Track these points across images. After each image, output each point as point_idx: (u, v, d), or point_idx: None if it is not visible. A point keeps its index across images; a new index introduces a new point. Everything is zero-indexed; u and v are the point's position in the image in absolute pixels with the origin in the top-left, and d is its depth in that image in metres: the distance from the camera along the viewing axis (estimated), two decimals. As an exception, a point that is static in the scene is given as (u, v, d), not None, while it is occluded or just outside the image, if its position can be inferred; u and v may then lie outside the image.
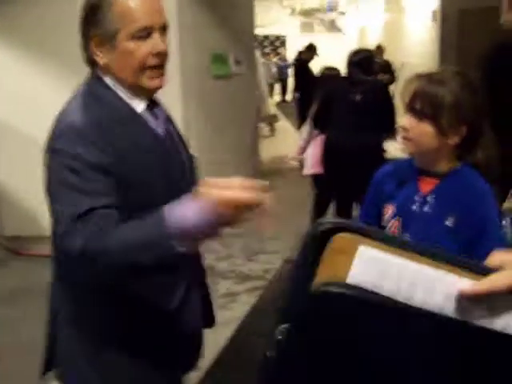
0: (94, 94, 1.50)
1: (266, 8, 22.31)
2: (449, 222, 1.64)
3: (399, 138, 1.71)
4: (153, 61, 1.47)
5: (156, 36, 1.47)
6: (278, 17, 24.15)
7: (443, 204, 1.67)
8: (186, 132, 5.05)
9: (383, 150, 4.34)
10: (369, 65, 4.53)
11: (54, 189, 1.40)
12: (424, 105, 1.62)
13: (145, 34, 1.45)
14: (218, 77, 5.97)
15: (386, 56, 10.56)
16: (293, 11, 24.83)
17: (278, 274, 4.67)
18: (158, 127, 1.56)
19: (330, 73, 5.50)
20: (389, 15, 16.25)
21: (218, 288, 4.41)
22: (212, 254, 5.11)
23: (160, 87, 1.52)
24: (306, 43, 9.57)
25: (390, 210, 1.77)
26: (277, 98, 19.36)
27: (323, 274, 0.75)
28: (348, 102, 4.39)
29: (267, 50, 21.99)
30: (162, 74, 1.52)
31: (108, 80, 1.52)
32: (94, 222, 1.31)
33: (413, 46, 12.37)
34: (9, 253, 5.28)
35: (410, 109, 1.65)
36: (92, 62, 1.52)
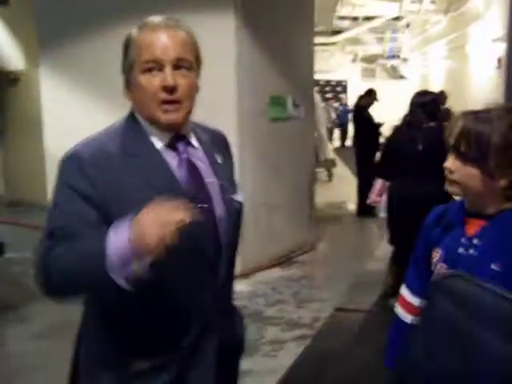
0: (115, 126, 1.56)
1: (328, 54, 22.57)
2: (495, 266, 1.55)
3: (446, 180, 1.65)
4: (164, 95, 1.48)
5: (167, 70, 1.47)
6: (340, 63, 24.34)
7: (490, 247, 1.58)
8: (240, 174, 5.00)
9: (447, 198, 4.16)
10: (434, 108, 4.38)
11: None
12: (469, 146, 1.55)
13: (156, 67, 1.48)
14: (275, 119, 5.96)
15: (448, 103, 10.38)
16: (355, 57, 24.98)
17: (327, 323, 4.52)
18: (180, 166, 1.54)
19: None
20: (452, 62, 16.10)
21: (266, 334, 4.30)
22: (262, 299, 5.03)
23: (177, 122, 1.51)
24: (369, 88, 9.50)
25: (438, 254, 1.71)
26: (336, 143, 19.32)
27: None
28: (410, 151, 4.27)
29: (328, 95, 22.07)
30: (179, 109, 1.50)
31: (137, 115, 1.55)
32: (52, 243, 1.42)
33: (476, 93, 12.15)
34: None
35: (455, 150, 1.59)
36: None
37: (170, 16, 1.57)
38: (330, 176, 11.85)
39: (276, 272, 5.77)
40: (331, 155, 12.46)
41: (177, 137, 1.55)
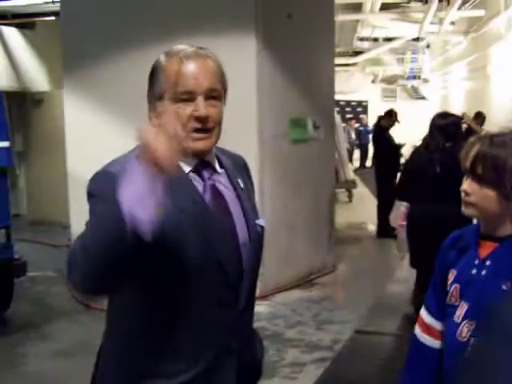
0: None
1: (348, 74, 22.62)
2: (505, 286, 1.57)
3: (462, 202, 1.67)
4: (194, 124, 1.50)
5: (199, 100, 1.50)
6: (361, 83, 24.38)
7: (501, 268, 1.60)
8: (260, 196, 5.02)
9: (466, 220, 4.12)
10: (455, 131, 4.36)
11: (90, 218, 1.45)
12: (485, 169, 1.59)
13: (188, 97, 1.50)
14: (295, 141, 5.99)
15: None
16: (375, 78, 25.01)
17: (347, 346, 4.49)
18: (205, 191, 1.55)
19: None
20: (472, 83, 16.05)
21: (285, 356, 4.28)
22: (281, 321, 5.01)
23: (205, 150, 1.53)
24: (390, 108, 9.47)
25: (452, 275, 1.74)
26: (356, 163, 19.28)
27: None
28: (428, 174, 4.26)
29: (349, 116, 22.09)
30: (208, 138, 1.52)
31: None
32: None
33: (497, 114, 12.09)
34: (78, 305, 5.35)
35: (471, 173, 1.62)
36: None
37: (196, 44, 1.59)
38: (350, 197, 11.82)
39: (296, 293, 5.75)
40: (351, 176, 12.45)
41: (202, 163, 1.57)
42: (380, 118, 8.89)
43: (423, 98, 25.04)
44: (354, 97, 23.95)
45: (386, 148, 8.47)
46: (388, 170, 8.12)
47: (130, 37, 5.49)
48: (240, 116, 4.58)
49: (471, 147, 1.64)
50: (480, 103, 14.37)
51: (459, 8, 13.87)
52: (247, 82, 5.30)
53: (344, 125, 16.79)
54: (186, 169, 1.54)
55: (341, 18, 13.31)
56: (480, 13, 14.21)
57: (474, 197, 1.62)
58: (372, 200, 9.49)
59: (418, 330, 1.87)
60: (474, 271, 1.65)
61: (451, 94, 19.90)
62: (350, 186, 11.76)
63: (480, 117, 9.10)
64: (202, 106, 1.50)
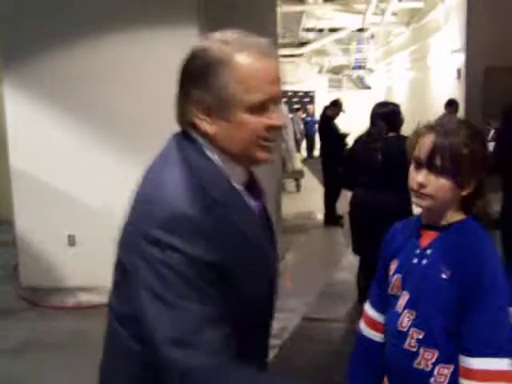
0: (192, 165, 1.27)
1: (294, 65, 22.76)
2: (445, 275, 1.60)
3: (414, 194, 1.66)
4: (267, 134, 1.28)
5: (273, 108, 1.27)
6: (307, 74, 24.56)
7: (440, 256, 1.63)
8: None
9: (407, 207, 4.22)
10: (395, 119, 4.45)
11: (167, 289, 1.18)
12: (444, 160, 1.59)
13: (266, 105, 1.26)
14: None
15: (409, 113, 10.56)
16: (321, 68, 25.24)
17: (294, 333, 4.58)
18: (256, 207, 1.37)
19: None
20: (414, 73, 16.39)
21: (234, 345, 4.32)
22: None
23: (268, 161, 1.33)
24: (335, 97, 9.56)
25: (394, 266, 1.75)
26: (303, 153, 19.44)
27: None
28: (370, 162, 4.33)
29: (296, 106, 22.23)
30: (271, 148, 1.33)
31: (206, 147, 1.30)
32: (215, 350, 1.17)
33: (437, 103, 12.41)
34: (25, 303, 5.28)
35: (428, 164, 1.61)
36: (187, 124, 1.31)
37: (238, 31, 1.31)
38: (298, 187, 11.95)
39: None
40: (299, 166, 12.58)
41: (250, 178, 1.39)
42: (326, 108, 9.00)
43: (368, 87, 25.42)
44: (300, 87, 24.10)
45: (332, 137, 8.59)
46: (334, 159, 8.23)
47: (68, 30, 5.41)
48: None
49: (421, 138, 1.64)
50: (422, 93, 14.71)
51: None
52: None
53: (292, 115, 16.91)
54: (239, 184, 1.33)
55: (285, 9, 13.38)
56: (419, 4, 14.54)
57: (430, 188, 1.61)
58: (320, 189, 9.62)
59: (362, 324, 1.89)
60: (415, 260, 1.67)
61: (395, 83, 20.28)
62: (297, 176, 11.88)
63: (453, 105, 8.76)
64: (278, 115, 1.29)
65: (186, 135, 1.32)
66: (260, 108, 1.25)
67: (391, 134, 4.32)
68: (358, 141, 4.63)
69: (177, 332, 1.16)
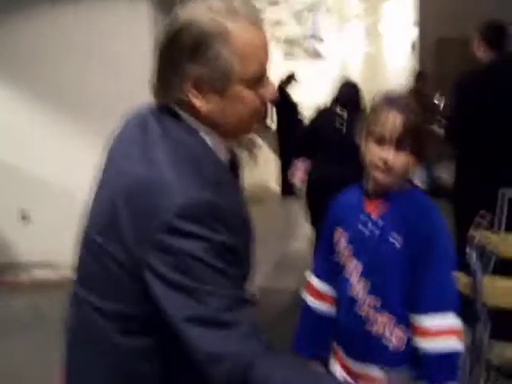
0: (183, 145, 1.22)
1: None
2: (396, 242, 1.66)
3: (376, 169, 1.69)
4: (263, 107, 1.27)
5: (267, 80, 1.26)
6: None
7: (391, 225, 1.68)
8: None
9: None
10: (359, 99, 4.49)
11: (195, 279, 1.13)
12: (413, 140, 1.64)
13: (262, 78, 1.25)
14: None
15: (365, 86, 10.64)
16: (277, 40, 25.09)
17: (252, 303, 4.62)
18: (239, 183, 1.40)
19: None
20: (368, 45, 16.47)
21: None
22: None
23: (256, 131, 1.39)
24: (289, 70, 9.60)
25: (341, 234, 1.78)
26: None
27: None
28: (333, 135, 4.37)
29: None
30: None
31: (193, 122, 1.25)
32: (256, 338, 1.15)
33: (392, 75, 12.52)
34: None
35: (397, 143, 1.64)
36: (177, 102, 1.24)
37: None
38: (253, 157, 11.93)
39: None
40: (253, 136, 12.55)
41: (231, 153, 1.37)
42: (281, 82, 9.03)
43: (321, 57, 25.41)
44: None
45: (286, 108, 8.63)
46: (288, 129, 8.26)
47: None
48: (135, 84, 4.53)
49: (381, 113, 1.66)
50: (377, 65, 14.80)
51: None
52: (142, 47, 5.20)
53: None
54: (226, 160, 1.32)
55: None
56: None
57: (397, 165, 1.65)
58: (275, 160, 9.65)
59: (307, 297, 1.92)
60: (366, 231, 1.71)
61: (350, 55, 20.34)
62: (251, 145, 11.85)
63: (422, 77, 8.40)
64: (274, 87, 1.27)
65: (166, 110, 1.26)
66: (257, 81, 1.22)
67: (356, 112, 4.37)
68: (322, 114, 4.66)
69: (213, 314, 1.12)
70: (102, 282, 1.27)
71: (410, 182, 1.76)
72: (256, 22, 1.20)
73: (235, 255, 1.18)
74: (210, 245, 1.12)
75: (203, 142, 1.25)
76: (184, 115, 1.25)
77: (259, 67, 1.22)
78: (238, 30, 1.17)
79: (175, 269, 1.12)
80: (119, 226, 1.19)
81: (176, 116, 1.25)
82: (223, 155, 1.29)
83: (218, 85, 1.19)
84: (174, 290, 1.12)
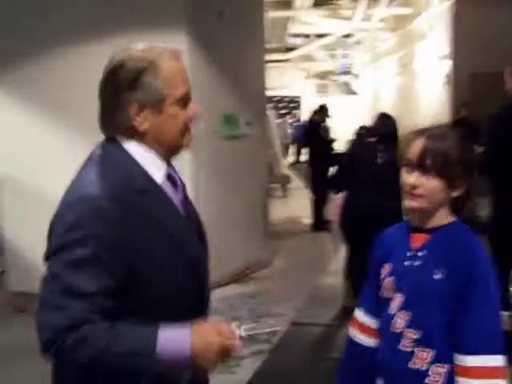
0: (111, 159, 1.45)
1: (281, 70, 22.81)
2: (438, 276, 1.64)
3: (406, 195, 1.71)
4: (191, 123, 1.53)
5: (190, 101, 1.52)
6: (294, 79, 24.63)
7: (433, 258, 1.67)
8: (195, 194, 4.94)
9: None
10: (395, 133, 4.50)
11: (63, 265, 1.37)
12: (434, 160, 1.64)
13: (187, 99, 1.51)
14: (228, 138, 6.02)
15: (399, 119, 10.62)
16: (308, 74, 25.32)
17: (283, 338, 4.57)
18: (177, 197, 1.55)
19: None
20: (401, 78, 16.49)
21: (223, 351, 4.30)
22: (219, 316, 5.03)
23: (188, 148, 1.56)
24: (321, 103, 9.62)
25: (386, 270, 1.78)
26: (291, 158, 19.46)
27: None
28: (370, 164, 4.40)
29: (283, 111, 22.27)
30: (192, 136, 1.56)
31: (131, 145, 1.48)
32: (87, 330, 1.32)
33: (424, 108, 12.48)
34: (12, 310, 5.23)
35: (419, 166, 1.67)
36: (121, 127, 1.47)
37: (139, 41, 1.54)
38: (285, 191, 11.96)
39: (232, 289, 5.80)
40: (286, 171, 12.60)
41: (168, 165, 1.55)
42: (313, 113, 9.05)
43: (354, 93, 25.53)
44: (287, 92, 24.17)
45: (319, 142, 8.63)
46: (321, 163, 8.25)
47: (56, 34, 5.39)
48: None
49: (411, 142, 1.70)
50: (409, 98, 14.80)
51: (387, 6, 14.30)
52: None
53: (279, 121, 16.94)
54: (161, 174, 1.50)
55: (272, 14, 13.41)
56: (406, 11, 14.66)
57: (421, 189, 1.67)
58: (306, 194, 9.63)
59: (352, 331, 1.91)
60: (407, 263, 1.71)
61: (382, 89, 20.38)
62: (284, 180, 11.90)
63: (466, 107, 8.66)
64: (196, 105, 1.53)
65: (112, 139, 1.49)
66: (184, 101, 1.48)
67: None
68: (358, 147, 4.67)
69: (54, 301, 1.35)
70: None
71: (457, 216, 1.74)
72: (176, 57, 1.48)
73: (118, 255, 1.35)
74: (77, 234, 1.35)
75: (131, 157, 1.46)
76: (126, 140, 1.47)
77: (184, 90, 1.48)
78: (166, 63, 1.45)
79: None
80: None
81: (115, 141, 1.48)
82: (158, 171, 1.49)
83: (156, 106, 1.44)
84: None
